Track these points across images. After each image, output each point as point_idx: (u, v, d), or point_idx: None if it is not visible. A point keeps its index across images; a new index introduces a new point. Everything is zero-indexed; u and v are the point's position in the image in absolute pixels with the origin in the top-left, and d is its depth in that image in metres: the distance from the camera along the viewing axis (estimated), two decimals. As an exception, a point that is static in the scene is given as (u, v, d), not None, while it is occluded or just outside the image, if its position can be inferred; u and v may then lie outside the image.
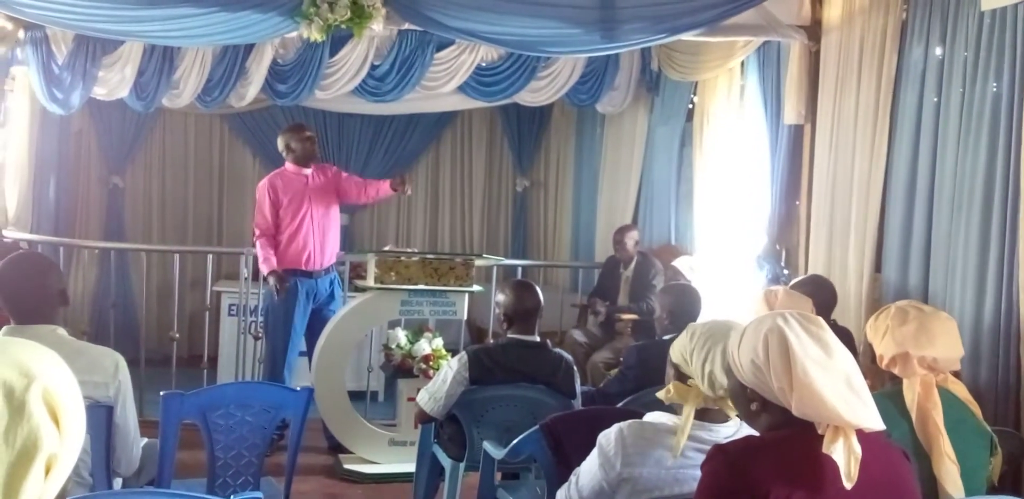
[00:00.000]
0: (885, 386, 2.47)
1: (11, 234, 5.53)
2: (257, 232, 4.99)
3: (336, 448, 4.81)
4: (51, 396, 0.99)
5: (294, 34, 4.56)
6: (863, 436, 1.64)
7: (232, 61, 5.52)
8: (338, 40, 5.40)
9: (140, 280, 7.04)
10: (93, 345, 2.67)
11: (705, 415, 2.09)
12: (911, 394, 2.38)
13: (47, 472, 0.97)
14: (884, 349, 2.46)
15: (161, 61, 5.40)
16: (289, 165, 5.00)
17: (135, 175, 7.50)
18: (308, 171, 4.98)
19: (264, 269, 4.91)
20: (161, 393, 2.83)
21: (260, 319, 5.21)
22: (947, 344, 2.47)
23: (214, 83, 5.56)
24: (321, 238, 4.97)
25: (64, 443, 0.99)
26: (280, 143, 5.04)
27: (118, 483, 2.67)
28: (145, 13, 4.32)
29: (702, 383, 2.03)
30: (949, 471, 2.30)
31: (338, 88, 5.72)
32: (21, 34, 5.07)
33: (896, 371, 2.44)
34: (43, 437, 0.96)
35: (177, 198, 7.63)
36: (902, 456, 1.79)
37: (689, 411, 2.04)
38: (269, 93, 5.76)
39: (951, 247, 3.83)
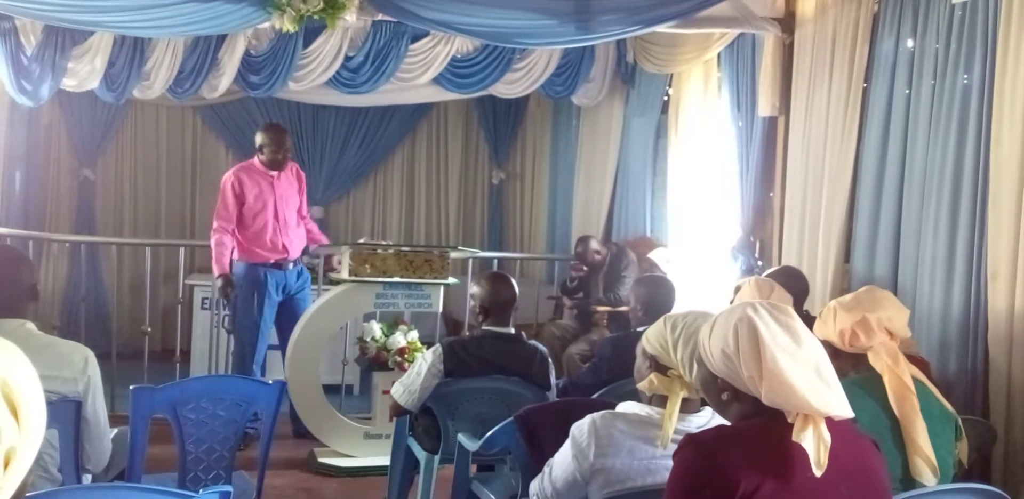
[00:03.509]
0: (849, 375, 2.49)
1: (-21, 227, 5.46)
2: (216, 225, 4.90)
3: (302, 436, 4.79)
4: (9, 388, 0.97)
5: (267, 25, 4.52)
6: (833, 425, 1.66)
7: (204, 52, 5.46)
8: (311, 31, 5.37)
9: (111, 274, 6.99)
10: (62, 340, 2.64)
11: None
12: (879, 362, 2.43)
13: (6, 465, 0.96)
14: (841, 324, 2.53)
15: (132, 52, 5.34)
16: (258, 162, 4.96)
17: (106, 167, 7.42)
18: (275, 173, 4.95)
19: (215, 270, 4.89)
20: (131, 387, 2.80)
21: (228, 312, 5.18)
22: (893, 304, 2.58)
23: (186, 74, 5.51)
24: (287, 232, 4.95)
25: (23, 436, 0.98)
26: (256, 139, 4.98)
27: (87, 479, 2.64)
28: (114, 3, 4.27)
29: (687, 374, 2.04)
30: (920, 431, 2.34)
31: (312, 80, 5.69)
32: (-12, 24, 5.00)
33: (861, 342, 2.49)
34: (1, 430, 0.95)
35: (149, 191, 7.56)
36: (872, 445, 1.80)
37: (675, 402, 2.04)
38: (242, 85, 5.72)
39: (920, 238, 3.87)
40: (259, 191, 4.89)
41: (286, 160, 4.93)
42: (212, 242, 4.90)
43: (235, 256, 5.03)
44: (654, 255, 5.85)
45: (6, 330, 2.27)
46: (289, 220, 4.97)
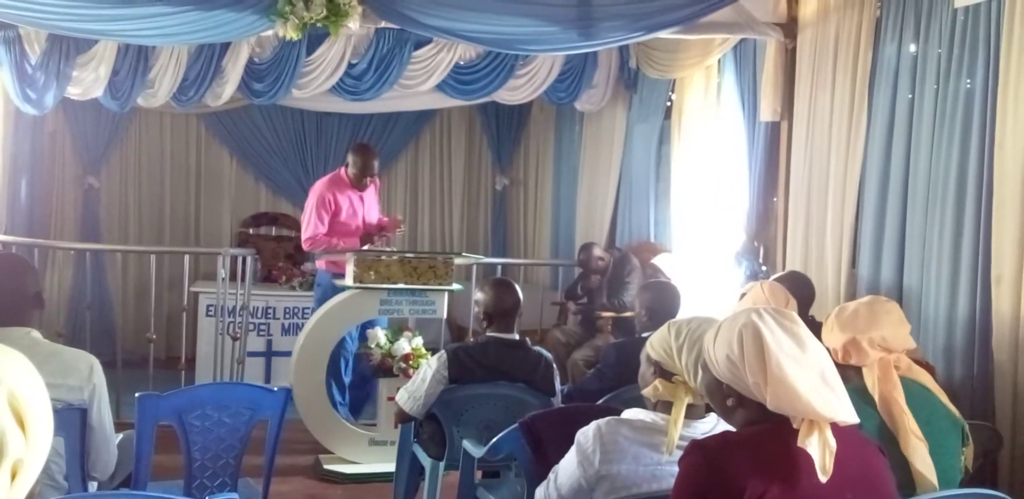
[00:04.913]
0: (852, 380, 2.48)
1: (-16, 235, 5.47)
2: (310, 235, 5.07)
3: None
4: (16, 401, 0.98)
5: (270, 32, 4.53)
6: (839, 430, 1.65)
7: (208, 60, 5.48)
8: (315, 38, 5.39)
9: (116, 281, 7.00)
10: (68, 348, 2.64)
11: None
12: (871, 379, 2.41)
13: (13, 477, 0.96)
14: (834, 342, 2.50)
15: (136, 60, 5.36)
16: (345, 176, 5.17)
17: (110, 175, 7.43)
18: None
19: (353, 246, 5.02)
20: (137, 394, 2.80)
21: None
22: (891, 322, 2.52)
23: (190, 82, 5.52)
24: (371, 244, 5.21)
25: (30, 448, 0.98)
26: (347, 156, 5.22)
27: (93, 486, 2.64)
28: (119, 12, 4.28)
29: (692, 380, 2.03)
30: (916, 448, 2.32)
31: (315, 87, 5.70)
32: (-7, 33, 5.02)
33: (853, 361, 2.47)
34: (8, 442, 0.95)
35: (153, 198, 7.57)
36: (877, 451, 1.80)
37: (680, 408, 2.04)
38: (246, 92, 5.73)
39: (925, 242, 3.86)
40: (350, 205, 5.14)
41: (370, 182, 5.19)
42: (319, 247, 5.08)
43: (321, 266, 5.25)
44: (658, 260, 5.84)
45: (12, 338, 2.28)
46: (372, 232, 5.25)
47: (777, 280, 3.90)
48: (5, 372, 0.99)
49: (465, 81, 5.94)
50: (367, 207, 5.25)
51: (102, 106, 5.78)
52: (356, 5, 4.28)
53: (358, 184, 5.15)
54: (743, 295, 3.74)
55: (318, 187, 5.18)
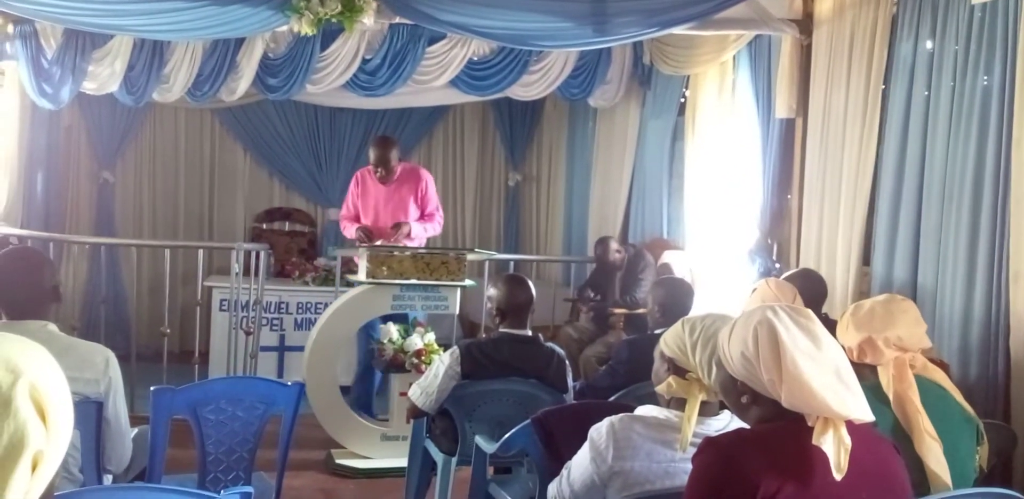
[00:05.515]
0: (867, 378, 2.47)
1: (0, 229, 5.50)
2: (340, 215, 5.47)
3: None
4: (38, 392, 0.98)
5: (285, 28, 4.54)
6: (854, 428, 1.65)
7: (222, 55, 5.50)
8: (329, 34, 5.40)
9: (131, 275, 7.02)
10: (84, 341, 2.66)
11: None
12: (886, 378, 2.40)
13: (34, 469, 0.96)
14: (849, 340, 2.49)
15: (151, 55, 5.38)
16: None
17: (125, 170, 7.47)
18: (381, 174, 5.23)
19: (354, 233, 5.24)
20: (151, 388, 2.82)
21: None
22: (907, 321, 2.50)
23: (204, 77, 5.54)
24: (386, 238, 5.20)
25: (51, 440, 0.99)
26: None
27: (108, 480, 2.66)
28: (134, 7, 4.31)
29: (706, 377, 2.03)
30: (931, 448, 2.31)
31: (329, 82, 5.71)
32: (10, 28, 5.04)
33: (868, 360, 2.46)
34: (30, 434, 0.96)
35: (168, 193, 7.61)
36: (892, 449, 1.80)
37: (694, 404, 2.04)
38: (260, 87, 5.75)
39: (941, 240, 3.84)
40: (371, 195, 5.26)
41: (388, 175, 5.20)
42: (343, 229, 5.46)
43: (356, 260, 5.30)
44: (667, 257, 5.84)
45: (29, 331, 2.29)
46: (396, 220, 5.26)
47: (788, 278, 3.90)
48: (27, 364, 1.00)
49: (479, 77, 5.95)
50: (385, 200, 5.25)
51: (117, 101, 5.81)
52: (370, 1, 4.29)
53: (375, 176, 5.23)
54: (753, 291, 3.74)
55: (356, 173, 5.48)
